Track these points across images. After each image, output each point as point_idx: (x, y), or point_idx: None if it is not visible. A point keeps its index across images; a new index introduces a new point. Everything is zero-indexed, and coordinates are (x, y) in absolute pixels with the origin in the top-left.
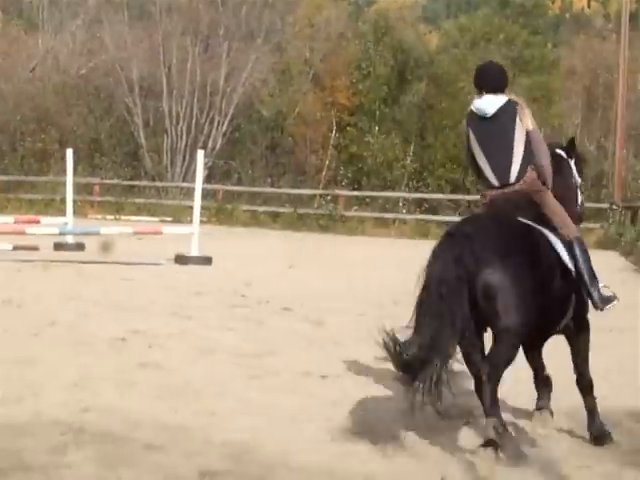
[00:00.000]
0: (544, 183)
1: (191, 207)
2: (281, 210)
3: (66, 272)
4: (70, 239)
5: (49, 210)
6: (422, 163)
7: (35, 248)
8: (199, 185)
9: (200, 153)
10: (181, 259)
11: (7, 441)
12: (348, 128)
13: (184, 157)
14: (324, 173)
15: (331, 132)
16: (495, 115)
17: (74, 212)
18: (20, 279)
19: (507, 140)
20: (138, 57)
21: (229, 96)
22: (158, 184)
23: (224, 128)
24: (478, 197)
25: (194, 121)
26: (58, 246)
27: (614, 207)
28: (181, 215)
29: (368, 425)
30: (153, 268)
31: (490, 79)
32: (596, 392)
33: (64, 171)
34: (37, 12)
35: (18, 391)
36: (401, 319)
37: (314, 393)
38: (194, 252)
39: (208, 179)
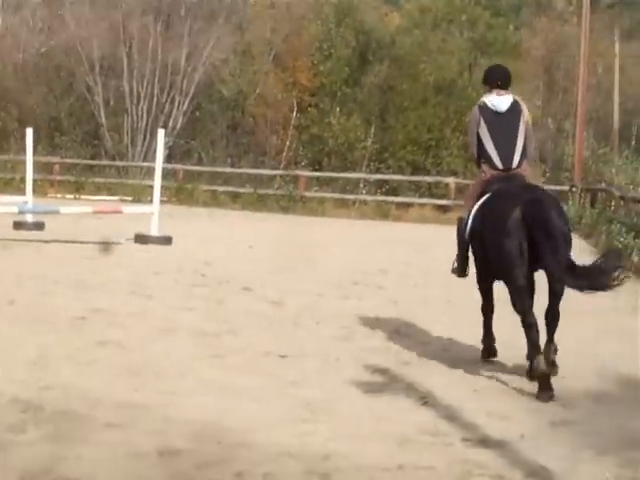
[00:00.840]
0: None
1: (151, 186)
2: (241, 190)
3: (25, 251)
4: (30, 218)
5: (8, 189)
6: (383, 144)
7: None
8: (159, 164)
9: (160, 132)
10: (141, 238)
11: None
12: (309, 109)
13: (145, 136)
14: (285, 154)
15: (292, 113)
16: (507, 112)
17: (34, 191)
18: None
19: (513, 133)
20: (99, 36)
21: (190, 75)
22: (118, 163)
23: (185, 107)
24: (438, 178)
25: (155, 100)
26: (17, 225)
27: (574, 189)
28: (141, 195)
29: (327, 405)
30: (113, 247)
31: (500, 79)
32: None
33: (24, 150)
34: None
35: None
36: (359, 299)
37: (274, 373)
38: (154, 232)
39: (168, 159)
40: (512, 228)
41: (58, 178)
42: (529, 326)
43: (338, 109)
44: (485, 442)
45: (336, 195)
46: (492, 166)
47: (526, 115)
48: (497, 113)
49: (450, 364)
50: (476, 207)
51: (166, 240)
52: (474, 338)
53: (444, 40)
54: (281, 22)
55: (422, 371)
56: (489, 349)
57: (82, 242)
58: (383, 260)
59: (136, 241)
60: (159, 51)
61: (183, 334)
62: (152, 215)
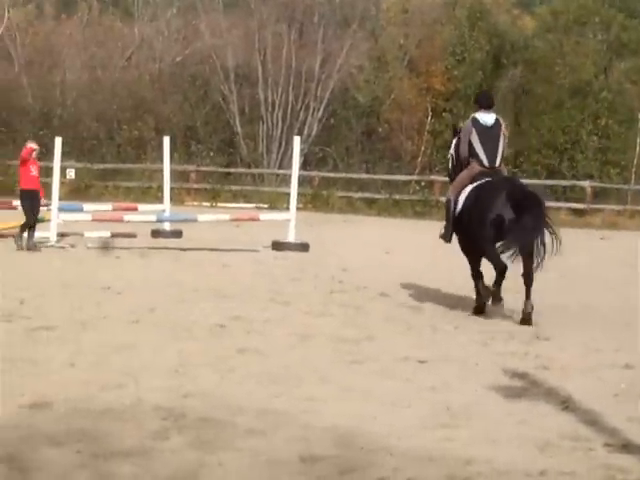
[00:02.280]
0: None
1: (287, 194)
2: (377, 196)
3: (164, 259)
4: (167, 226)
5: (146, 198)
6: (517, 148)
7: (133, 235)
8: (295, 172)
9: (297, 140)
10: (278, 245)
11: (109, 426)
12: (443, 114)
13: (280, 144)
14: (419, 159)
15: (426, 118)
16: (492, 125)
17: (171, 199)
18: (119, 266)
19: (496, 141)
20: (233, 44)
21: (324, 82)
22: (254, 171)
23: (319, 114)
24: (574, 182)
25: (290, 108)
26: (156, 233)
27: None
28: (277, 202)
29: (467, 410)
30: (250, 254)
31: (487, 101)
32: None
33: (160, 159)
34: (132, 1)
35: (119, 377)
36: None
37: (413, 378)
38: (291, 238)
39: (304, 166)
40: (499, 205)
41: (194, 186)
42: (500, 270)
43: None
44: (627, 447)
45: None
46: (480, 164)
47: (505, 129)
48: (485, 126)
49: (589, 369)
50: (467, 191)
51: (303, 247)
52: (615, 343)
53: (578, 43)
54: (414, 27)
55: (562, 376)
56: (480, 307)
57: (220, 250)
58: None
59: (273, 248)
60: (293, 59)
61: (322, 340)
62: (289, 222)
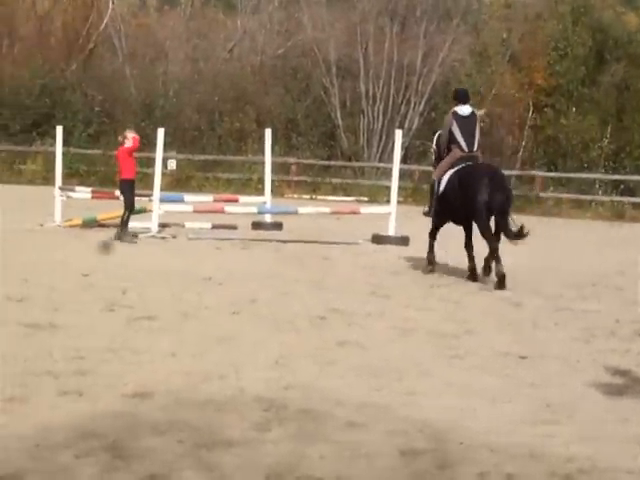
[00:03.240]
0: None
1: (387, 187)
2: None
3: (265, 251)
4: (268, 218)
5: (246, 189)
6: (619, 144)
7: (233, 227)
8: (397, 165)
9: (398, 133)
10: (378, 239)
11: (211, 417)
12: (545, 109)
13: (380, 137)
14: (520, 154)
15: (528, 113)
16: (468, 116)
17: (271, 192)
18: (220, 257)
19: (473, 130)
20: (335, 37)
21: (426, 76)
22: (354, 164)
23: (421, 108)
24: None
25: (391, 101)
26: (256, 225)
27: None
28: (377, 195)
29: (568, 407)
30: (350, 247)
31: (465, 97)
32: None
33: (261, 151)
34: None
35: (221, 368)
36: (598, 300)
37: (513, 374)
38: (391, 232)
39: (404, 159)
40: (483, 186)
41: (295, 179)
42: (491, 241)
43: (574, 109)
44: None
45: (572, 196)
46: (461, 149)
47: (479, 119)
48: (463, 117)
49: None
50: (450, 174)
51: (403, 240)
52: None
53: None
54: (517, 22)
55: None
56: (430, 264)
57: (320, 242)
58: (621, 261)
59: (373, 241)
60: (395, 52)
61: (422, 334)
62: (389, 215)
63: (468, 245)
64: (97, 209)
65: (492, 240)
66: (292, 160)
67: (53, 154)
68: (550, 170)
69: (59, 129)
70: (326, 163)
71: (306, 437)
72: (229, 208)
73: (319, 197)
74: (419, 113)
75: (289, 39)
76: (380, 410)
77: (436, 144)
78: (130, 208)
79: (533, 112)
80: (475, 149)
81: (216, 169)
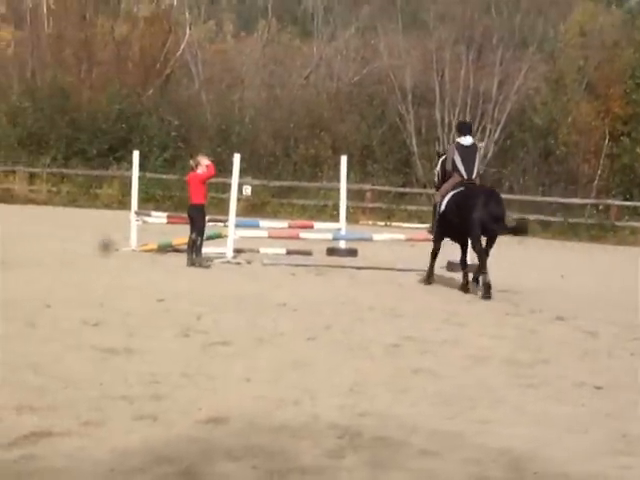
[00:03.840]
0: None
1: None
2: (552, 219)
3: (339, 277)
4: (343, 244)
5: (321, 216)
6: None
7: (308, 253)
8: None
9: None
10: (453, 266)
11: (285, 443)
12: (621, 137)
13: None
14: (596, 182)
15: (604, 141)
16: (469, 146)
17: (346, 218)
18: (294, 283)
19: (473, 159)
20: (411, 65)
21: (501, 104)
22: (429, 191)
23: (496, 136)
24: None
25: None
26: (331, 251)
27: None
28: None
29: None
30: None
31: (468, 130)
32: None
33: (336, 177)
34: (311, 20)
35: (295, 394)
36: None
37: (589, 404)
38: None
39: None
40: (479, 206)
41: (370, 205)
42: (481, 255)
43: None
44: None
45: None
46: (461, 176)
47: (479, 150)
48: (465, 147)
49: None
50: (450, 196)
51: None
52: None
53: None
54: (593, 49)
55: None
56: (429, 277)
57: (395, 269)
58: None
59: (448, 269)
60: (471, 80)
61: (496, 363)
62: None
63: (463, 261)
64: (172, 234)
65: (482, 254)
66: (367, 187)
67: (129, 178)
68: (626, 199)
69: (135, 154)
70: (401, 190)
71: (380, 465)
72: (304, 234)
73: (394, 224)
74: (494, 141)
75: (365, 66)
76: (454, 438)
77: (440, 168)
78: (201, 233)
79: (609, 140)
80: (474, 176)
81: (291, 195)
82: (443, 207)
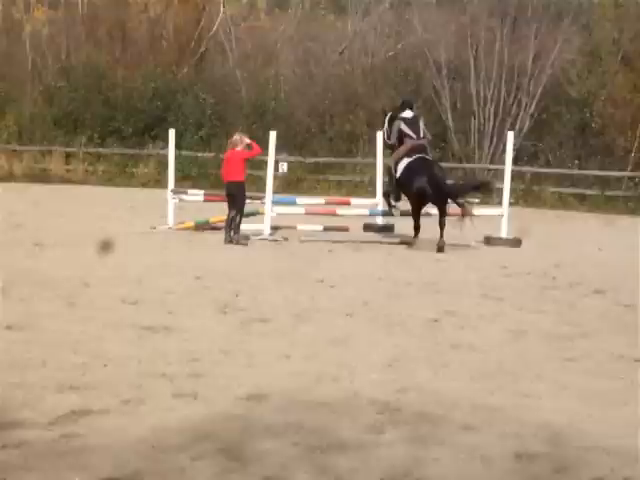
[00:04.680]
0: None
1: (498, 189)
2: (588, 192)
3: (377, 253)
4: (380, 220)
5: (357, 192)
6: None
7: (345, 229)
8: (508, 167)
9: (510, 135)
10: (491, 240)
11: (325, 419)
12: None
13: (491, 139)
14: (632, 155)
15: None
16: (412, 118)
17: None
18: (332, 260)
19: (418, 126)
20: (446, 39)
21: (537, 77)
22: (465, 165)
23: (531, 110)
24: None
25: (501, 103)
26: (368, 227)
27: None
28: (488, 197)
29: None
30: (463, 249)
31: (408, 106)
32: None
33: (372, 153)
34: None
35: (334, 370)
36: None
37: (628, 377)
38: (503, 234)
39: (515, 161)
40: (426, 176)
41: None
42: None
43: None
44: None
45: None
46: (411, 139)
47: (421, 120)
48: (408, 119)
49: None
50: (405, 162)
51: (515, 242)
52: None
53: None
54: (628, 21)
55: None
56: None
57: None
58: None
59: (486, 243)
60: (505, 53)
61: (535, 337)
62: (501, 217)
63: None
64: (209, 212)
65: (416, 222)
66: None
67: (165, 157)
68: None
69: (171, 132)
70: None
71: (420, 440)
72: (341, 210)
73: None
74: (530, 114)
75: (399, 41)
76: (494, 413)
77: (388, 126)
78: (241, 211)
79: None
80: (422, 137)
81: (327, 171)
82: (399, 174)
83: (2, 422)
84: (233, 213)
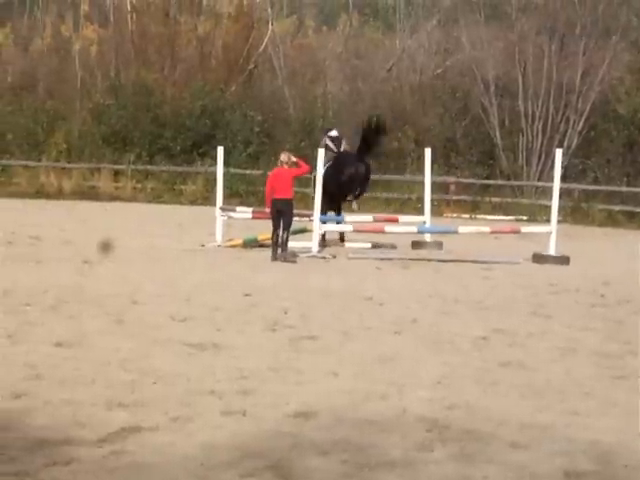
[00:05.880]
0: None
1: (546, 206)
2: (638, 210)
3: (425, 270)
4: (428, 237)
5: (405, 209)
6: None
7: (393, 246)
8: (557, 184)
9: (558, 152)
10: (539, 258)
11: (374, 437)
12: None
13: (539, 156)
14: None
15: None
16: (336, 136)
17: (430, 211)
18: (380, 277)
19: (340, 141)
20: (494, 56)
21: (585, 94)
22: (513, 183)
23: (580, 127)
24: None
25: (550, 120)
26: (416, 244)
27: None
28: (536, 214)
29: None
30: (511, 267)
31: (333, 130)
32: None
33: (420, 170)
34: (393, 13)
35: (383, 387)
36: None
37: None
38: (552, 251)
39: (563, 178)
40: (347, 175)
41: (454, 198)
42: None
43: None
44: None
45: None
46: (332, 151)
47: (344, 138)
48: (332, 137)
49: None
50: (328, 165)
51: (564, 260)
52: None
53: None
54: None
55: None
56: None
57: (480, 262)
58: None
59: (534, 261)
60: (554, 70)
61: (584, 354)
62: (550, 235)
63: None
64: (257, 229)
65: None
66: (451, 179)
67: (213, 174)
68: None
69: (220, 149)
70: (485, 182)
71: (470, 458)
72: (389, 228)
73: (478, 216)
74: (578, 131)
75: (447, 58)
76: (543, 430)
77: (324, 145)
78: (289, 227)
79: None
80: (342, 150)
81: (375, 188)
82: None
83: (52, 439)
84: (280, 230)
